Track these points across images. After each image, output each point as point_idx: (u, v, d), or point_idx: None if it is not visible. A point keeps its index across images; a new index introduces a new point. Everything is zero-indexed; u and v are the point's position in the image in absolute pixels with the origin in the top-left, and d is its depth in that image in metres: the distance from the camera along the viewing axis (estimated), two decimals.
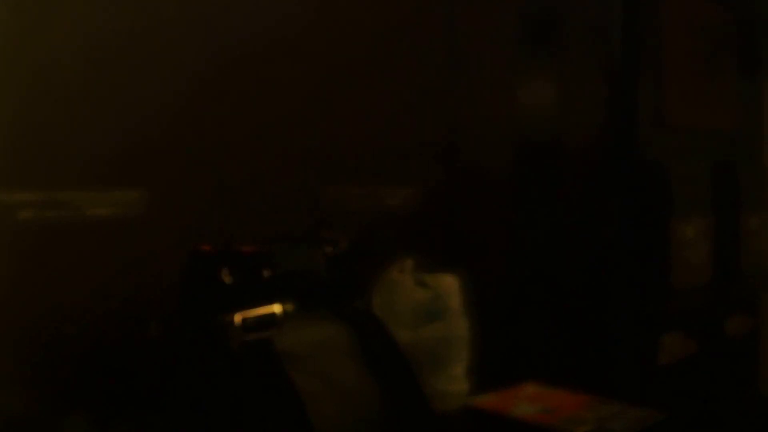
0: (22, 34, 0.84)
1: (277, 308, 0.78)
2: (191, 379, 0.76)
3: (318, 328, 0.83)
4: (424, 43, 1.31)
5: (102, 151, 0.90)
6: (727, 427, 1.67)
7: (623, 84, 1.62)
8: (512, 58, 1.48)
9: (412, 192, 1.28)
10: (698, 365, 1.76)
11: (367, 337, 0.85)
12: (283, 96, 1.08)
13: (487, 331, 1.05)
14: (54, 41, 0.86)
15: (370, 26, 1.21)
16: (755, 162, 2.11)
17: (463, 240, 1.36)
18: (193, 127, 0.98)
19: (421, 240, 1.26)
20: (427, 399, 0.86)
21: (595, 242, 1.60)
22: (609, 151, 1.62)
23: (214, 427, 0.74)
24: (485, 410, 1.08)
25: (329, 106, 1.14)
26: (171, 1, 0.96)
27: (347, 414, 0.79)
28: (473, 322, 1.03)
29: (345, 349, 0.83)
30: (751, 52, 2.05)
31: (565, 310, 1.52)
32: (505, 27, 1.47)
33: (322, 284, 0.86)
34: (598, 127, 1.62)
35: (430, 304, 1.01)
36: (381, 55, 1.22)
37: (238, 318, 0.75)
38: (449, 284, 1.03)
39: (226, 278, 0.77)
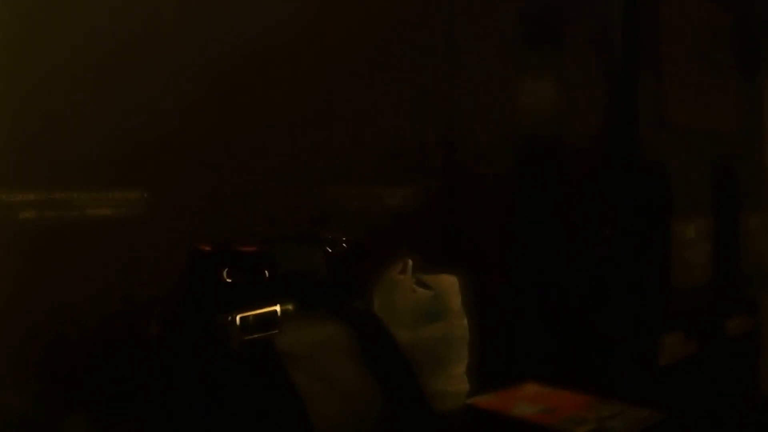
0: (23, 35, 0.84)
1: (277, 308, 0.78)
2: (191, 379, 0.76)
3: (318, 328, 0.83)
4: (424, 43, 1.31)
5: (102, 151, 0.90)
6: (727, 427, 1.67)
7: (624, 84, 1.63)
8: (512, 58, 1.48)
9: (412, 192, 1.28)
10: (698, 365, 1.76)
11: (367, 337, 0.85)
12: (283, 96, 1.08)
13: (487, 331, 1.05)
14: (55, 42, 0.86)
15: (370, 26, 1.21)
16: (755, 162, 2.11)
17: (463, 240, 1.36)
18: (194, 128, 0.98)
19: (421, 240, 1.26)
20: (427, 399, 0.86)
21: (595, 242, 1.60)
22: (609, 152, 1.62)
23: (215, 427, 0.74)
24: (485, 410, 1.08)
25: (329, 106, 1.14)
26: (172, 2, 0.97)
27: (347, 414, 0.79)
28: (473, 322, 1.03)
29: (345, 349, 0.83)
30: (751, 52, 2.05)
31: (565, 310, 1.52)
32: (505, 27, 1.47)
33: (322, 284, 0.86)
34: (599, 127, 1.63)
35: (430, 304, 1.01)
36: (381, 55, 1.22)
37: (238, 318, 0.75)
38: (449, 284, 1.03)
39: (226, 278, 0.77)
